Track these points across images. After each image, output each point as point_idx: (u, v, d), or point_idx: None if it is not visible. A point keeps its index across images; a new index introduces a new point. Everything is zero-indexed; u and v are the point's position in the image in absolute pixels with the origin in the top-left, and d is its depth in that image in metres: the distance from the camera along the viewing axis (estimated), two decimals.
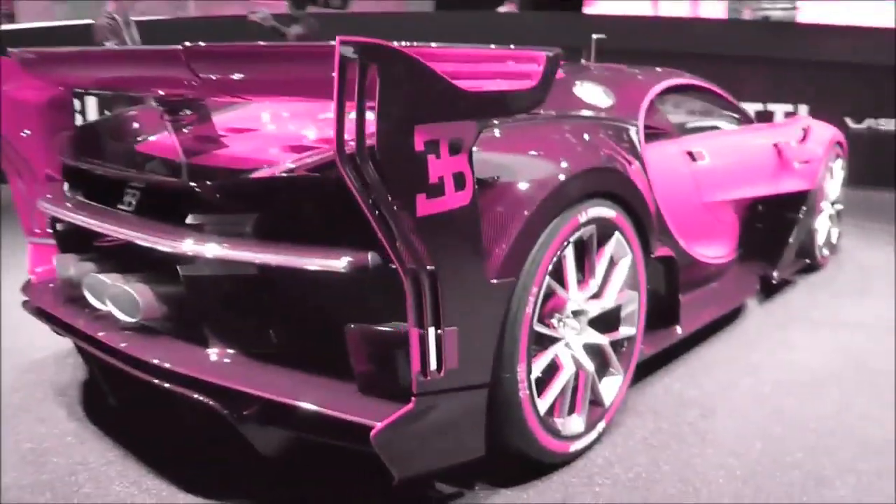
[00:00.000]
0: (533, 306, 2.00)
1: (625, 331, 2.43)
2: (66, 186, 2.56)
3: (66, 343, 2.96)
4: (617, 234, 2.32)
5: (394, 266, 1.71)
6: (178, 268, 2.00)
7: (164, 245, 1.97)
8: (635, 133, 2.78)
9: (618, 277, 2.37)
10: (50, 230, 2.85)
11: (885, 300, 3.94)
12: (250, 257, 1.88)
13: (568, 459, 2.24)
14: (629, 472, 2.23)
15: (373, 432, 1.70)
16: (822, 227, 4.39)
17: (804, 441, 2.43)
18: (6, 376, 2.81)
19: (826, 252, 4.51)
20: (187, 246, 1.93)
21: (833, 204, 4.59)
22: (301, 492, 2.11)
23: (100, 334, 2.16)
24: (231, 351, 2.01)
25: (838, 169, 4.59)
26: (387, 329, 1.79)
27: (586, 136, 2.40)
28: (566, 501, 2.08)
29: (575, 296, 2.20)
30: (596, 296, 2.30)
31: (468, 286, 1.78)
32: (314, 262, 1.82)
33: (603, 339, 2.33)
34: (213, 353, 2.01)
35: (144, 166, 2.26)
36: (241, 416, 1.88)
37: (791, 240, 3.95)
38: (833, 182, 4.52)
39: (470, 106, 1.67)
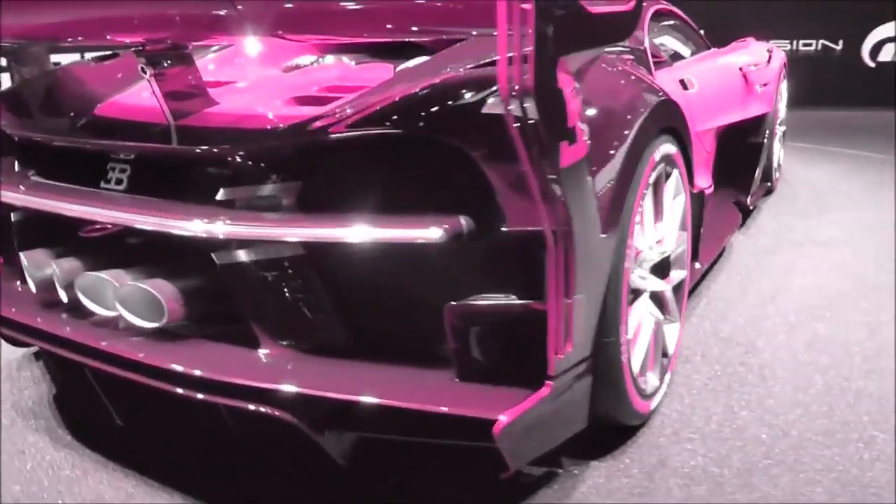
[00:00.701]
0: (630, 259, 1.79)
1: (677, 274, 2.28)
2: (14, 164, 2.05)
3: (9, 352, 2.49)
4: (675, 171, 2.14)
5: (506, 230, 1.45)
6: (213, 256, 1.61)
7: (200, 230, 1.57)
8: (649, 62, 2.59)
9: (675, 218, 2.20)
10: None
11: (846, 214, 4.05)
12: (318, 234, 1.54)
13: (647, 419, 2.09)
14: (710, 422, 2.10)
15: (498, 426, 1.45)
16: (776, 149, 4.45)
17: (857, 368, 2.39)
18: None
19: (777, 174, 4.59)
20: (236, 228, 1.55)
21: (780, 125, 4.66)
22: (371, 494, 1.84)
23: (103, 344, 1.73)
24: (285, 349, 1.67)
25: (784, 90, 4.65)
26: (501, 304, 1.52)
27: (636, 69, 2.18)
28: (666, 463, 1.93)
29: (649, 243, 2.01)
30: (659, 241, 2.12)
31: (589, 245, 1.53)
32: (400, 234, 1.51)
33: (665, 286, 2.16)
34: (264, 353, 1.66)
35: (130, 133, 1.83)
36: (319, 425, 1.57)
37: (759, 165, 3.95)
38: (782, 104, 4.57)
39: (595, 30, 1.39)
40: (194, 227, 1.58)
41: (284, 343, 1.66)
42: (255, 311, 1.65)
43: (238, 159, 1.60)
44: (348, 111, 1.62)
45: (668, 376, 2.20)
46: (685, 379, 2.33)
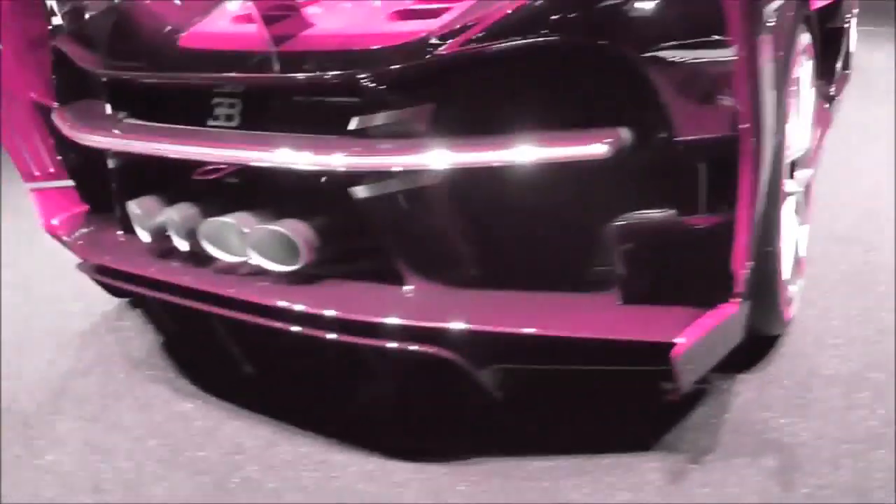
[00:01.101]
0: (784, 161, 1.66)
1: (804, 174, 2.15)
2: (107, 108, 1.92)
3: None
4: (810, 63, 1.97)
5: (685, 138, 1.33)
6: (349, 191, 1.51)
7: (339, 164, 1.45)
8: None
9: (808, 114, 2.05)
10: (66, 168, 2.26)
11: None
12: (469, 159, 1.41)
13: (786, 327, 2.00)
14: (851, 325, 2.01)
15: (679, 348, 1.36)
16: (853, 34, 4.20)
17: None
18: (52, 356, 2.27)
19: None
20: (377, 159, 1.43)
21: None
22: (527, 428, 1.78)
23: (236, 291, 1.65)
24: (431, 284, 1.58)
25: None
26: (681, 218, 1.40)
27: None
28: (817, 371, 1.85)
29: (793, 142, 1.88)
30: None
31: (767, 148, 1.40)
32: (559, 152, 1.38)
33: (799, 187, 2.03)
34: (411, 290, 1.57)
35: (233, 65, 1.69)
36: (481, 360, 1.49)
37: (841, 51, 3.72)
38: None
39: None
40: (331, 160, 1.46)
41: (431, 277, 1.56)
42: (399, 246, 1.55)
43: (371, 84, 1.46)
44: (482, 22, 1.47)
45: (800, 281, 2.10)
46: (814, 283, 2.23)
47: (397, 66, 1.45)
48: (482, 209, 1.54)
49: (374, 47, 1.52)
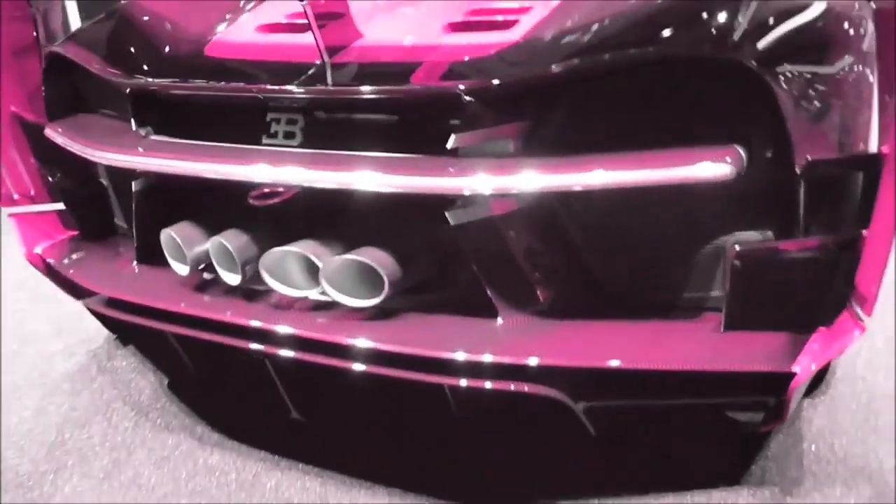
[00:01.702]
0: None
1: None
2: (133, 123, 1.70)
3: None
4: None
5: (816, 158, 1.27)
6: (446, 214, 1.37)
7: (447, 186, 1.31)
8: None
9: None
10: (55, 190, 2.02)
11: None
12: (582, 181, 1.29)
13: None
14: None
15: (798, 379, 1.30)
16: None
17: None
18: (39, 405, 1.99)
19: None
20: (486, 180, 1.29)
21: None
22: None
23: (297, 328, 1.47)
24: (525, 316, 1.45)
25: None
26: (807, 241, 1.33)
27: None
28: (878, 393, 1.82)
29: None
30: None
31: None
32: (678, 174, 1.29)
33: None
34: (504, 323, 1.43)
35: (287, 76, 1.52)
36: (585, 398, 1.38)
37: None
38: None
39: None
40: (430, 182, 1.32)
41: (525, 308, 1.44)
42: (493, 275, 1.42)
43: (471, 98, 1.34)
44: (581, 33, 1.38)
45: None
46: None
47: (502, 80, 1.33)
48: (579, 233, 1.44)
49: (468, 59, 1.40)
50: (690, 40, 1.30)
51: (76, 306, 2.05)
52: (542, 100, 1.37)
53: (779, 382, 1.30)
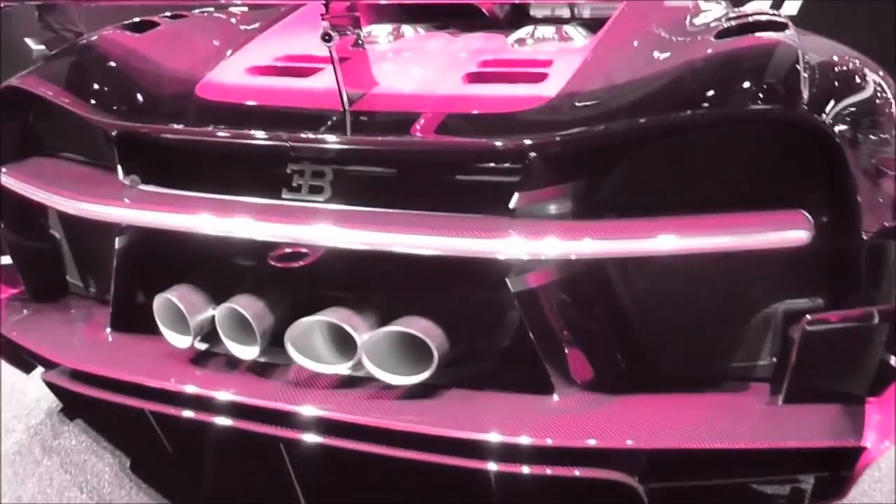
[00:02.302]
0: None
1: None
2: (119, 170, 1.47)
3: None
4: None
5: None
6: (507, 281, 1.23)
7: (515, 251, 1.18)
8: None
9: None
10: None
11: None
12: (652, 246, 1.19)
13: None
14: None
15: (872, 453, 1.24)
16: None
17: None
18: None
19: None
20: (560, 243, 1.17)
21: None
22: None
23: (322, 410, 1.28)
24: (582, 391, 1.32)
25: None
26: (874, 311, 1.28)
27: None
28: None
29: None
30: None
31: None
32: (753, 239, 1.22)
33: None
34: (562, 399, 1.30)
35: (309, 123, 1.36)
36: (655, 479, 1.27)
37: None
38: None
39: None
40: (500, 246, 1.19)
41: (581, 384, 1.32)
42: (552, 348, 1.29)
43: (535, 154, 1.22)
44: (638, 88, 1.31)
45: None
46: None
47: (566, 136, 1.23)
48: (637, 301, 1.34)
49: (510, 112, 1.29)
50: (760, 99, 1.25)
51: (10, 375, 1.77)
52: (601, 158, 1.27)
53: (848, 458, 1.24)
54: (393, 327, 1.24)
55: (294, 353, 1.30)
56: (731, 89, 1.25)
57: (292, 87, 1.56)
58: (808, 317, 1.27)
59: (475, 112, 1.36)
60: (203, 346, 1.47)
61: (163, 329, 1.42)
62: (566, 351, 1.30)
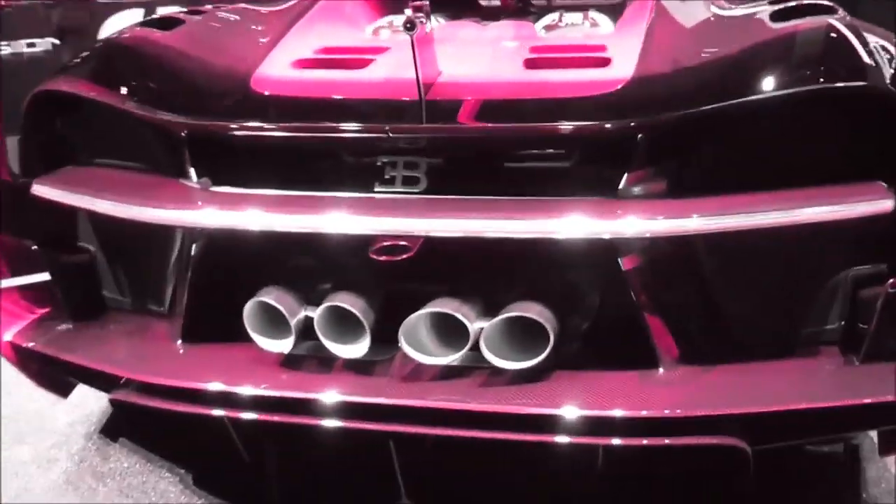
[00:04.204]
0: None
1: None
2: (191, 172, 1.41)
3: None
4: None
5: None
6: (619, 261, 1.24)
7: (634, 230, 1.20)
8: None
9: None
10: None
11: None
12: (755, 221, 1.24)
13: None
14: None
15: None
16: None
17: None
18: None
19: None
20: (674, 222, 1.20)
21: None
22: None
23: (441, 402, 1.26)
24: (687, 365, 1.34)
25: None
26: None
27: None
28: None
29: None
30: None
31: None
32: (846, 209, 1.26)
33: None
34: (668, 373, 1.31)
35: (394, 114, 1.34)
36: (765, 441, 1.30)
37: None
38: None
39: None
40: (612, 227, 1.21)
41: (687, 356, 1.35)
42: (661, 323, 1.31)
43: (643, 136, 1.24)
44: (731, 73, 1.35)
45: None
46: None
47: (671, 118, 1.25)
48: (732, 274, 1.37)
49: (590, 96, 1.31)
50: (851, 76, 1.30)
51: (31, 403, 1.72)
52: (699, 137, 1.30)
53: None
54: (511, 313, 1.24)
55: (407, 347, 1.28)
56: (820, 68, 1.30)
57: (353, 79, 1.52)
58: (892, 280, 1.33)
59: (562, 96, 1.37)
60: (286, 349, 1.42)
61: (255, 335, 1.37)
62: (670, 325, 1.33)
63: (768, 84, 1.28)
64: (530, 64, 1.56)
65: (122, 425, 1.89)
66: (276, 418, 1.34)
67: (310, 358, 1.40)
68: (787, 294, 1.42)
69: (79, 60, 1.66)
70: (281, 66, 1.61)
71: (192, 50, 1.68)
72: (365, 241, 1.31)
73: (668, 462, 1.34)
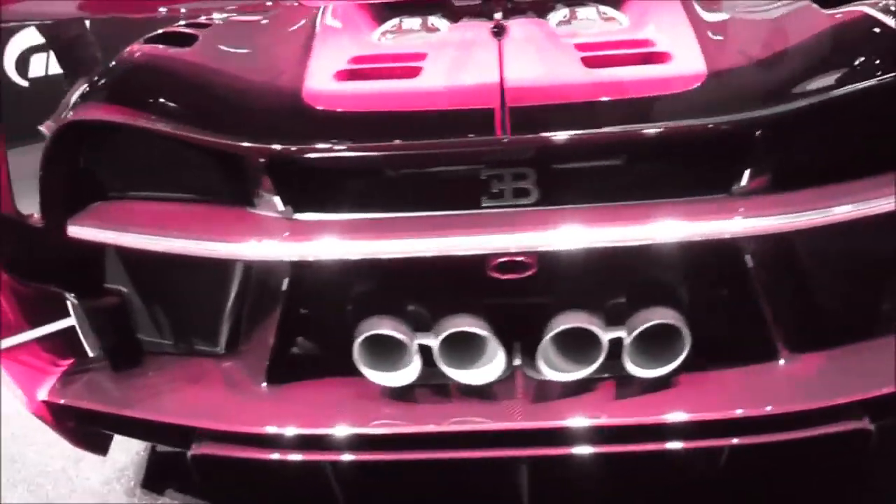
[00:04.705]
0: None
1: None
2: (274, 201, 1.29)
3: None
4: None
5: None
6: (746, 257, 1.23)
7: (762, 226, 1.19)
8: None
9: None
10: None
11: None
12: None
13: None
14: None
15: None
16: None
17: None
18: None
19: None
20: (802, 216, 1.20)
21: None
22: None
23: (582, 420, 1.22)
24: (806, 353, 1.34)
25: None
26: None
27: None
28: None
29: None
30: None
31: None
32: None
33: None
34: (788, 364, 1.31)
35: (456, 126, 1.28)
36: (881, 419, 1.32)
37: None
38: None
39: None
40: (744, 225, 1.20)
41: (805, 345, 1.35)
42: (780, 315, 1.31)
43: (760, 132, 1.22)
44: (814, 66, 1.35)
45: None
46: None
47: (789, 109, 1.24)
48: (852, 260, 1.38)
49: (670, 94, 1.30)
50: None
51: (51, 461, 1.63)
52: (802, 130, 1.30)
53: None
54: (653, 321, 1.21)
55: (543, 366, 1.22)
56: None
57: (416, 89, 1.43)
58: None
59: (651, 95, 1.33)
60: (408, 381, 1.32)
61: (366, 370, 1.27)
62: (789, 316, 1.34)
63: (866, 72, 1.30)
64: (589, 63, 1.52)
65: (165, 478, 1.74)
66: (403, 456, 1.26)
67: (420, 388, 1.32)
68: (871, 279, 1.43)
69: (102, 85, 1.49)
70: (325, 80, 1.49)
71: (225, 67, 1.55)
72: (479, 260, 1.25)
73: (798, 451, 1.35)
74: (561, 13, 1.90)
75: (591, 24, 1.87)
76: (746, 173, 1.24)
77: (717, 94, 1.31)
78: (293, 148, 1.28)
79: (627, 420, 1.23)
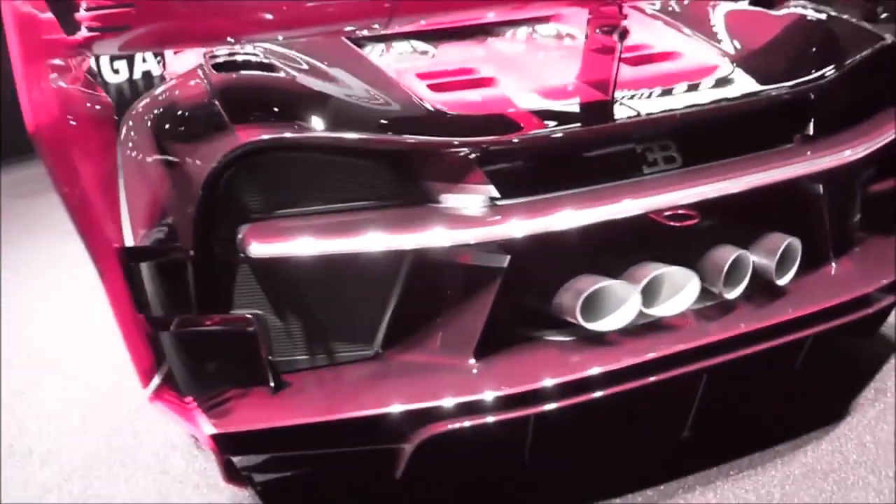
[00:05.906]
0: None
1: None
2: (491, 190, 1.45)
3: None
4: None
5: None
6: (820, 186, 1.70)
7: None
8: None
9: None
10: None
11: None
12: None
13: None
14: None
15: None
16: None
17: None
18: None
19: None
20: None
21: None
22: None
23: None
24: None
25: None
26: None
27: None
28: None
29: None
30: None
31: None
32: None
33: None
34: None
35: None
36: None
37: None
38: None
39: None
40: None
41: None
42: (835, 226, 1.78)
43: (813, 95, 1.70)
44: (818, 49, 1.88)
45: None
46: None
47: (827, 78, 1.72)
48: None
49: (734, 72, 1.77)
50: None
51: None
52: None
53: None
54: (785, 241, 1.62)
55: (724, 289, 1.58)
56: None
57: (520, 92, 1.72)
58: None
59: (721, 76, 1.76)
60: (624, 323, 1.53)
61: (586, 323, 1.48)
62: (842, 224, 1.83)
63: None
64: (633, 63, 1.87)
65: None
66: (610, 391, 1.47)
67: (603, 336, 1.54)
68: None
69: (255, 107, 1.50)
70: (424, 90, 1.71)
71: (335, 84, 1.66)
72: (657, 214, 1.52)
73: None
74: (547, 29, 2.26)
75: (552, 38, 2.23)
76: (811, 123, 1.71)
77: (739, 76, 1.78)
78: (499, 140, 1.45)
79: (778, 319, 1.60)
